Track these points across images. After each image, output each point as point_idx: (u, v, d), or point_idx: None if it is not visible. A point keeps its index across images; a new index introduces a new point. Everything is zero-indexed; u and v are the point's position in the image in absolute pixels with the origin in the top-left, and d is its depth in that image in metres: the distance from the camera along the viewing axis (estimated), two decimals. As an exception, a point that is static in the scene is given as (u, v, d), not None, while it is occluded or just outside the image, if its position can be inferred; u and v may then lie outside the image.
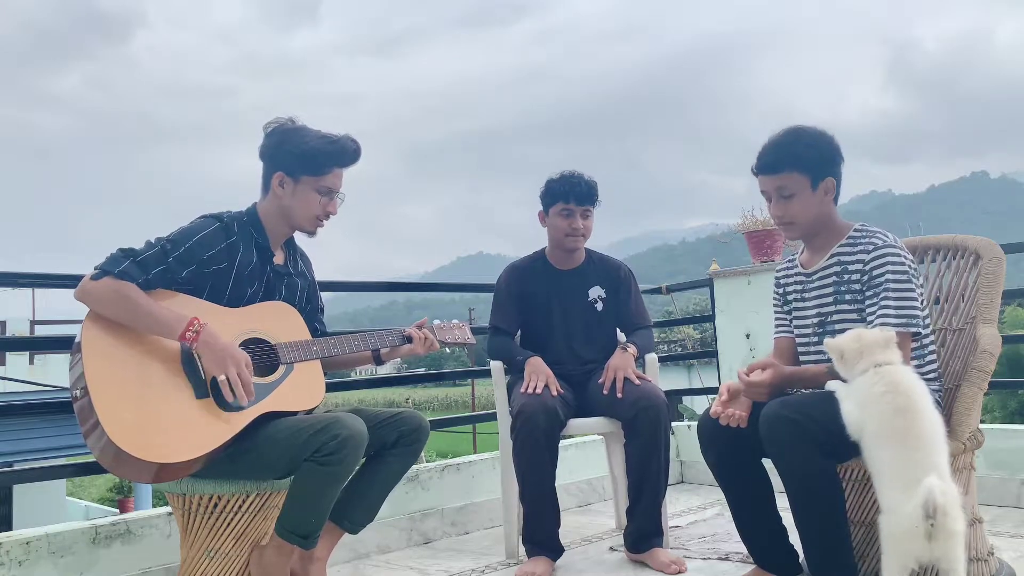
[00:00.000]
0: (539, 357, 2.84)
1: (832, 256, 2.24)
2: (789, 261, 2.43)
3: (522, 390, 2.70)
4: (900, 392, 1.86)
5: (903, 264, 2.12)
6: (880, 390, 1.87)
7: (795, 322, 2.36)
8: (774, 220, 2.30)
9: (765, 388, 2.14)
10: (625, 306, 3.03)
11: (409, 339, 2.41)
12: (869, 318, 2.11)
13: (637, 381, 2.73)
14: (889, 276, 2.10)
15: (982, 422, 2.30)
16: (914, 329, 2.08)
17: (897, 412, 1.84)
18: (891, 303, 2.07)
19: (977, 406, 2.17)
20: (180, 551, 2.15)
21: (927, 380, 2.14)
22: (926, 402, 1.87)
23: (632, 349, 2.86)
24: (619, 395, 2.70)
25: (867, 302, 2.13)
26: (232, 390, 1.97)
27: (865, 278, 2.14)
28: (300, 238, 2.39)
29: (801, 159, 2.18)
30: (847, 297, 2.19)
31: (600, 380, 2.78)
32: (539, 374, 2.74)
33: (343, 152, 2.25)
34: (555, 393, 2.70)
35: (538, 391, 2.67)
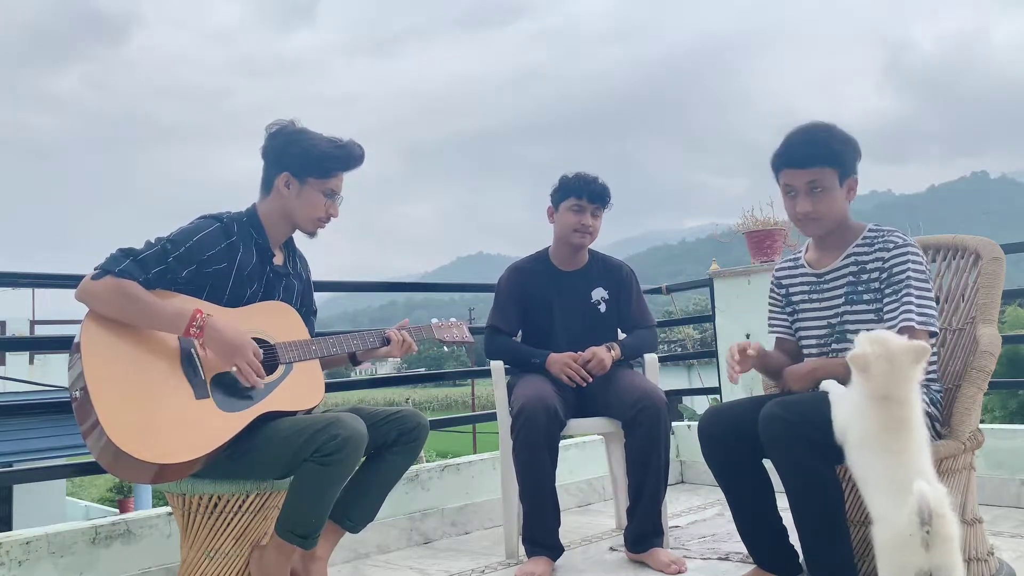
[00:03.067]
0: (552, 353, 2.88)
1: (848, 256, 2.23)
2: (792, 260, 2.41)
3: (573, 386, 2.81)
4: (894, 411, 1.77)
5: (922, 264, 2.13)
6: (878, 424, 1.77)
7: (802, 323, 2.34)
8: (796, 216, 2.22)
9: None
10: (627, 307, 3.04)
11: (388, 340, 2.39)
12: (888, 315, 2.09)
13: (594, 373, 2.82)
14: (911, 274, 2.10)
15: (982, 422, 2.30)
16: (933, 329, 2.07)
17: (885, 429, 1.78)
18: (913, 301, 2.06)
19: (977, 406, 2.17)
20: (180, 551, 2.15)
21: (927, 380, 2.14)
22: (917, 415, 1.79)
23: (615, 351, 2.87)
24: (584, 382, 2.81)
25: (887, 299, 2.11)
26: (247, 378, 2.02)
27: (884, 275, 2.13)
28: (299, 238, 2.40)
29: (836, 155, 2.16)
30: (865, 297, 2.18)
31: (582, 353, 2.84)
32: (570, 368, 2.82)
33: (350, 156, 2.28)
34: (587, 382, 2.81)
35: (588, 379, 2.81)
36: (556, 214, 2.98)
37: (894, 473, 1.72)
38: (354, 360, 2.41)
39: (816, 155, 2.16)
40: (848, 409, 1.86)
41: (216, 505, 2.05)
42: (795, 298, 2.37)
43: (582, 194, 2.92)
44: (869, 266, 2.18)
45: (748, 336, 4.13)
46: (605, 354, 2.83)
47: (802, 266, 2.36)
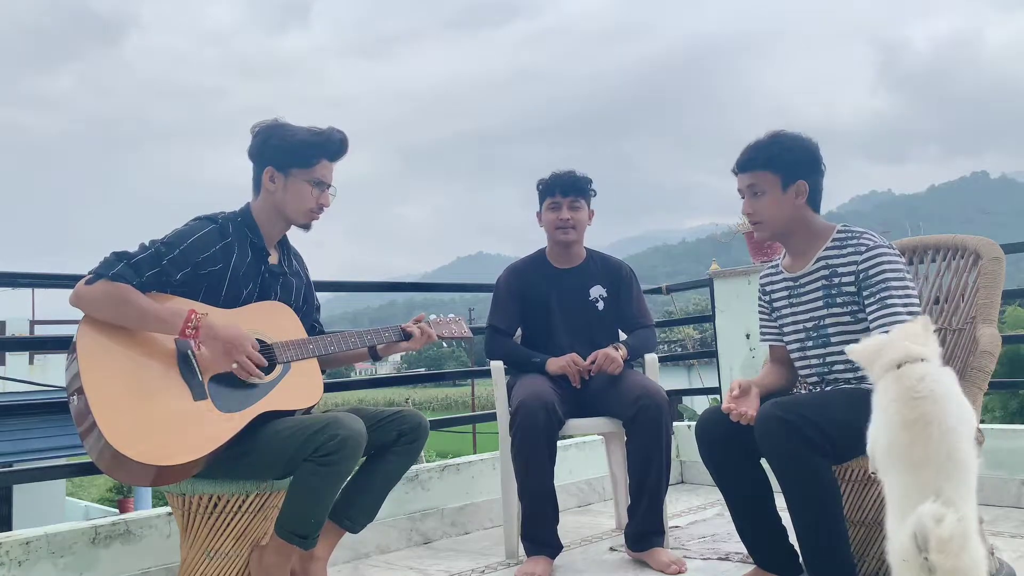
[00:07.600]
0: (551, 357, 2.87)
1: (818, 260, 2.23)
2: (773, 267, 2.43)
3: (576, 384, 2.80)
4: (912, 401, 1.60)
5: (897, 262, 2.12)
6: (890, 397, 1.63)
7: (785, 328, 2.35)
8: (746, 218, 2.32)
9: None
10: (626, 305, 3.04)
11: (407, 335, 2.41)
12: (873, 317, 2.07)
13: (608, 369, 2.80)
14: (888, 274, 2.08)
15: (982, 422, 2.31)
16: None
17: (904, 426, 1.59)
18: (897, 299, 2.04)
19: (977, 406, 2.17)
20: (180, 551, 2.15)
21: None
22: (945, 411, 1.60)
23: (622, 351, 2.86)
24: (590, 373, 2.81)
25: (867, 302, 2.10)
26: (248, 371, 2.03)
27: (861, 277, 2.12)
28: (297, 236, 2.41)
29: (773, 160, 2.21)
30: (839, 300, 2.17)
31: (592, 359, 2.81)
32: (570, 366, 2.81)
33: (329, 142, 2.26)
34: (588, 372, 2.82)
35: (587, 375, 2.81)
36: (541, 216, 3.02)
37: (904, 489, 1.56)
38: (375, 355, 2.44)
39: (753, 160, 2.24)
40: (878, 417, 1.69)
41: (216, 505, 2.05)
42: (777, 303, 2.38)
43: (555, 191, 2.95)
44: (840, 270, 2.17)
45: (748, 336, 4.13)
46: (614, 352, 2.82)
47: (780, 272, 2.37)
